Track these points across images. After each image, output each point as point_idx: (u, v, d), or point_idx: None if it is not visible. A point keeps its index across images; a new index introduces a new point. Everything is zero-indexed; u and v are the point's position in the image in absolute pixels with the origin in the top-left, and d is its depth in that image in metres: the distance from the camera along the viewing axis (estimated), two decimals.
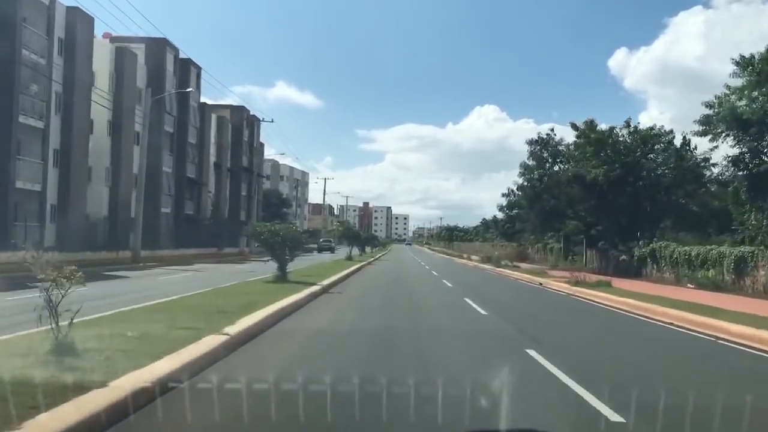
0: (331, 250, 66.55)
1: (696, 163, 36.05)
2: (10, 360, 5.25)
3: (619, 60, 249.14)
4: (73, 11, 32.83)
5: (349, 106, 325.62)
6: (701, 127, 31.10)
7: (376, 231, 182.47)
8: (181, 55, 48.12)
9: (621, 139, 36.58)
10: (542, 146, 39.38)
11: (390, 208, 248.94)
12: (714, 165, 36.06)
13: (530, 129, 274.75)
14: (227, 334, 6.96)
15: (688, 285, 24.68)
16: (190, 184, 49.91)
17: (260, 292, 12.72)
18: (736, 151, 29.32)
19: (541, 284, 24.26)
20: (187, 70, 48.30)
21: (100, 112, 37.08)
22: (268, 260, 17.15)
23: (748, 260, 21.85)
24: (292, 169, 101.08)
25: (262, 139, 73.25)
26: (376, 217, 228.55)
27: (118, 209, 38.77)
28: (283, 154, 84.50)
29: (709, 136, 31.15)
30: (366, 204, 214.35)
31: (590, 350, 8.42)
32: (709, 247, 25.20)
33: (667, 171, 35.98)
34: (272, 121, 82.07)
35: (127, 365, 5.17)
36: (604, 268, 36.64)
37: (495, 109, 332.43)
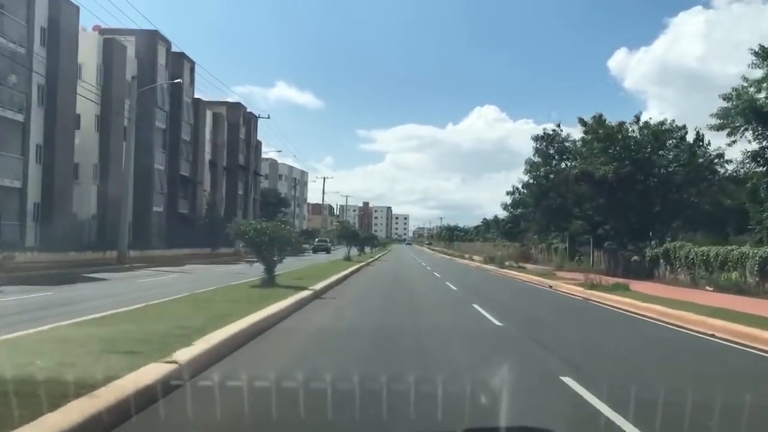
0: (327, 250, 64.40)
1: (710, 159, 34.53)
2: None
3: (618, 60, 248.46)
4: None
5: (350, 107, 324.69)
6: (718, 121, 29.62)
7: (376, 231, 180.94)
8: (174, 49, 46.53)
9: (632, 134, 35.02)
10: (548, 142, 37.77)
11: (390, 208, 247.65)
12: (728, 162, 34.70)
13: (530, 129, 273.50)
14: (175, 362, 5.35)
15: (707, 288, 23.15)
16: (184, 182, 48.35)
17: (240, 299, 11.16)
18: (754, 146, 27.96)
19: (550, 287, 22.71)
20: (179, 64, 46.71)
21: (87, 107, 35.53)
22: (255, 262, 15.47)
23: None
24: (290, 168, 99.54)
25: (261, 139, 71.86)
26: (376, 217, 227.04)
27: (107, 208, 37.15)
28: (280, 151, 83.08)
29: (727, 131, 29.74)
30: (366, 204, 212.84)
31: (641, 377, 6.52)
32: (729, 247, 23.62)
33: (678, 168, 34.41)
34: (268, 117, 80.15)
35: None
36: (613, 269, 35.10)
37: (495, 110, 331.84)
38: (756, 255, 21.25)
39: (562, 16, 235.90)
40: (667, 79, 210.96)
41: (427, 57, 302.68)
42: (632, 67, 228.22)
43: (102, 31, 40.08)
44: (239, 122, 62.10)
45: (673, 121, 35.16)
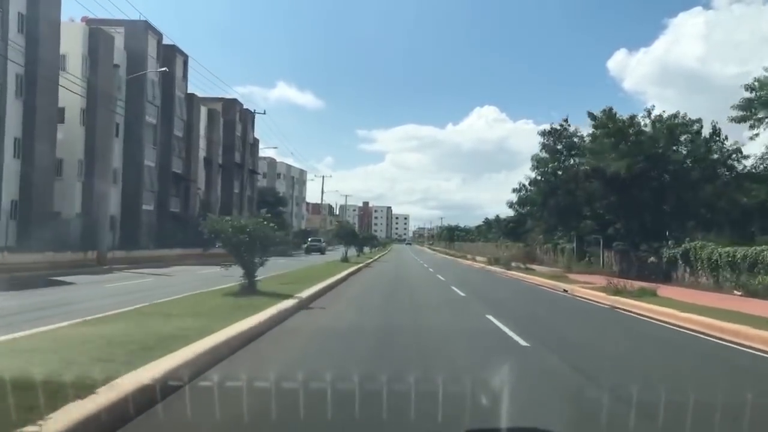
0: (321, 251, 61.34)
1: (727, 154, 32.68)
2: None
3: (618, 61, 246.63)
4: None
5: (350, 107, 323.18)
6: (739, 113, 27.84)
7: (376, 231, 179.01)
8: (166, 41, 44.70)
9: (645, 128, 33.16)
10: (556, 137, 35.87)
11: (390, 208, 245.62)
12: (745, 157, 32.89)
13: (530, 129, 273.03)
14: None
15: (735, 292, 21.32)
16: (176, 179, 46.50)
17: (204, 311, 9.20)
18: None
19: (566, 291, 20.85)
20: (171, 56, 44.80)
21: (72, 100, 33.67)
22: (229, 265, 13.45)
23: None
24: (289, 167, 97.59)
25: (259, 138, 70.07)
26: (376, 217, 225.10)
27: (92, 206, 35.29)
28: (276, 147, 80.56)
29: (749, 123, 27.98)
30: (366, 204, 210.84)
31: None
32: (760, 247, 21.74)
33: (693, 163, 32.51)
34: (264, 113, 78.38)
35: None
36: (625, 271, 33.25)
37: (495, 110, 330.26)
38: None
39: (562, 17, 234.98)
40: (667, 80, 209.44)
41: (427, 57, 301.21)
42: (632, 68, 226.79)
43: (89, 22, 38.25)
44: (235, 119, 60.26)
45: (685, 114, 33.32)
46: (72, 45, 34.63)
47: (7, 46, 26.98)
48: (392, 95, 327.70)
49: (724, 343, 9.37)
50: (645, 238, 33.23)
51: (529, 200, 36.67)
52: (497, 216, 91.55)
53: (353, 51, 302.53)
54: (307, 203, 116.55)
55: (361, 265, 33.71)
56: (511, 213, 50.74)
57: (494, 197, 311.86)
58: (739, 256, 22.31)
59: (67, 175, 35.09)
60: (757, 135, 26.73)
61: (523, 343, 8.62)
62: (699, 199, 31.44)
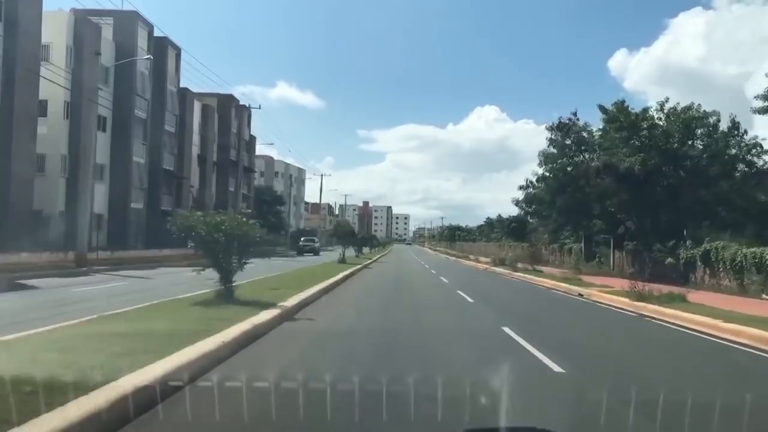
0: (314, 251, 57.09)
1: (747, 149, 30.95)
2: None
3: (619, 61, 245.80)
4: None
5: (350, 107, 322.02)
6: (764, 103, 26.07)
7: (376, 231, 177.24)
8: (158, 34, 42.94)
9: (659, 122, 31.39)
10: (564, 132, 34.07)
11: (390, 207, 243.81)
12: (766, 153, 31.14)
13: (531, 129, 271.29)
14: None
15: (763, 296, 19.61)
16: (167, 177, 44.73)
17: (149, 332, 7.14)
18: None
19: (581, 296, 19.09)
20: (163, 49, 43.05)
21: (55, 92, 31.96)
22: (201, 270, 11.25)
23: None
24: (287, 165, 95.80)
25: (258, 137, 68.34)
26: (376, 217, 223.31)
27: (77, 204, 33.48)
28: (272, 144, 79.09)
29: None
30: (366, 203, 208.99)
31: None
32: None
33: (710, 159, 30.71)
34: (259, 107, 76.46)
35: None
36: (638, 273, 31.50)
37: (495, 110, 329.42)
38: None
39: (563, 17, 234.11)
40: (667, 80, 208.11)
41: (427, 57, 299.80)
42: (632, 68, 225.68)
43: (77, 12, 36.50)
44: (231, 115, 58.53)
45: (699, 106, 31.54)
46: (56, 34, 32.93)
47: None
48: (393, 95, 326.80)
49: None
50: (659, 238, 31.48)
51: (536, 198, 34.82)
52: (499, 215, 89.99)
53: (354, 51, 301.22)
54: (307, 203, 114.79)
55: (359, 266, 31.95)
56: (516, 212, 48.88)
57: (494, 197, 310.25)
58: None
59: (49, 172, 33.39)
60: None
61: (556, 368, 6.83)
62: (718, 197, 29.65)
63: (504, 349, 8.40)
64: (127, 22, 39.07)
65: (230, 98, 58.75)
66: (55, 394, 4.06)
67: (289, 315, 10.48)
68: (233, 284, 11.29)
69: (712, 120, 31.34)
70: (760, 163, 31.11)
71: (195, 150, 51.66)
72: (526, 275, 29.14)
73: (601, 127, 34.29)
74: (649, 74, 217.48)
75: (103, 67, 37.08)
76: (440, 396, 4.51)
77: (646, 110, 31.96)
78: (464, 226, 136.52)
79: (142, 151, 40.74)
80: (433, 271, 33.36)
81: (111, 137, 38.26)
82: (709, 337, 10.21)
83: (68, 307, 11.60)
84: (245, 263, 11.42)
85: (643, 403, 4.73)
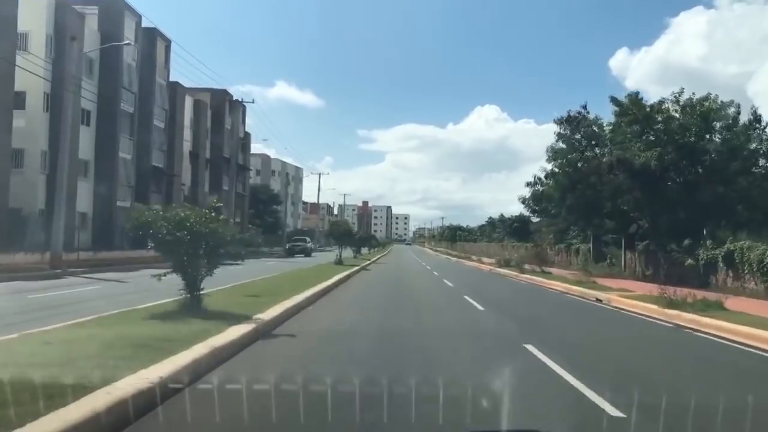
0: (306, 252, 53.63)
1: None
2: None
3: (620, 60, 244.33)
4: None
5: (350, 106, 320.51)
6: None
7: (376, 231, 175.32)
8: (147, 24, 41.07)
9: (676, 114, 29.56)
10: (574, 126, 32.17)
11: (390, 207, 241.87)
12: None
13: (531, 129, 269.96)
14: None
15: None
16: (156, 174, 42.85)
17: (94, 351, 5.62)
18: None
19: (599, 301, 17.25)
20: (152, 40, 41.20)
21: (35, 84, 30.11)
22: (162, 275, 9.39)
23: None
24: (284, 163, 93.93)
25: (257, 137, 66.37)
26: (375, 217, 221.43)
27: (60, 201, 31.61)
28: (266, 140, 77.21)
29: None
30: (365, 203, 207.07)
31: None
32: None
33: (729, 153, 28.84)
34: (252, 102, 74.34)
35: None
36: (653, 275, 29.68)
37: (495, 110, 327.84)
38: None
39: (563, 16, 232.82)
40: (668, 79, 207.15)
41: (428, 57, 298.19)
42: (633, 67, 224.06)
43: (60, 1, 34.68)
44: (225, 111, 56.58)
45: (717, 96, 29.69)
46: (34, 22, 31.09)
47: None
48: (393, 95, 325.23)
49: None
50: (674, 238, 29.64)
51: (544, 195, 32.90)
52: (502, 215, 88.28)
53: (354, 50, 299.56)
54: (305, 203, 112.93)
55: (356, 268, 30.06)
56: (518, 211, 47.01)
57: (494, 197, 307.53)
58: None
59: (28, 168, 31.53)
60: None
61: (612, 410, 4.91)
62: (739, 194, 27.79)
63: (534, 377, 6.53)
64: (114, 10, 37.27)
65: (224, 93, 56.80)
66: None
67: (265, 330, 8.54)
68: (201, 292, 9.41)
69: (731, 112, 29.52)
70: None
71: (187, 147, 49.81)
72: (534, 277, 27.28)
73: (611, 121, 32.50)
74: (650, 73, 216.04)
75: (87, 59, 35.28)
76: None
77: (661, 102, 30.10)
78: (465, 226, 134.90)
79: (129, 146, 38.86)
80: (436, 273, 31.46)
81: (96, 132, 36.41)
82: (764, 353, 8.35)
83: (26, 315, 9.73)
84: (213, 269, 9.48)
85: None
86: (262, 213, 71.98)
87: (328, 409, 4.60)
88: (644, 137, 30.33)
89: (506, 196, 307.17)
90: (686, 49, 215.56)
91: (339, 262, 32.38)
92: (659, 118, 29.77)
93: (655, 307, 13.80)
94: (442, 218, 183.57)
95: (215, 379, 5.37)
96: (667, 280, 26.62)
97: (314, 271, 24.55)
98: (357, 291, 19.12)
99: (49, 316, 8.64)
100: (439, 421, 4.49)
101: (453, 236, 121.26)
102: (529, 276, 28.22)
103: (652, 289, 19.58)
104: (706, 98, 29.62)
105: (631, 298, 16.33)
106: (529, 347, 8.18)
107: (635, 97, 30.55)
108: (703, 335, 10.66)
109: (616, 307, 15.45)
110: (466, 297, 16.45)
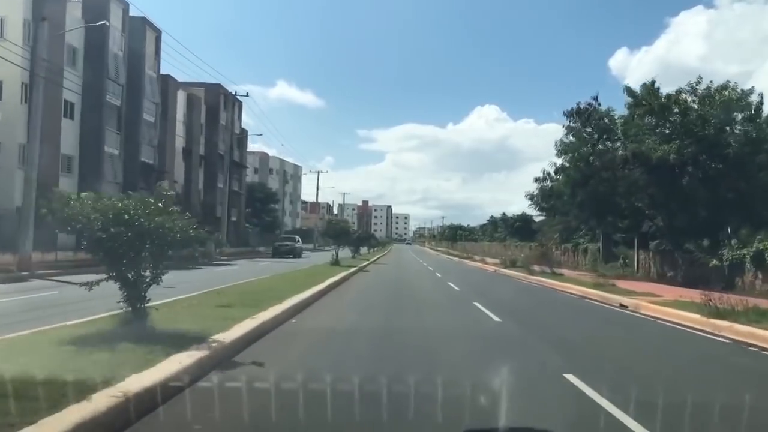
0: (294, 253, 49.41)
1: None
2: None
3: (620, 60, 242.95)
4: None
5: (350, 106, 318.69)
6: None
7: (376, 230, 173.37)
8: (135, 13, 39.19)
9: (694, 105, 27.66)
10: (585, 119, 30.23)
11: (390, 207, 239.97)
12: None
13: (530, 129, 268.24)
14: None
15: None
16: (146, 170, 40.89)
17: None
18: None
19: (625, 307, 15.35)
20: (140, 30, 39.29)
21: (11, 73, 28.28)
22: (95, 282, 7.48)
23: None
24: (282, 161, 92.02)
25: (256, 136, 64.54)
26: (375, 217, 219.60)
27: (38, 198, 29.74)
28: (260, 134, 75.18)
29: None
30: (365, 202, 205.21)
31: None
32: None
33: (751, 147, 26.93)
34: (247, 95, 72.33)
35: None
36: (670, 276, 27.84)
37: (496, 109, 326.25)
38: None
39: (563, 16, 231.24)
40: (668, 79, 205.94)
41: (427, 57, 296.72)
42: (633, 67, 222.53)
43: None
44: (219, 106, 54.68)
45: (736, 84, 27.79)
46: (11, 8, 29.27)
47: None
48: (392, 95, 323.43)
49: None
50: (692, 236, 27.79)
51: (554, 191, 30.95)
52: (504, 214, 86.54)
53: (354, 50, 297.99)
54: (304, 202, 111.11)
55: (354, 269, 28.15)
56: (520, 210, 45.11)
57: (494, 197, 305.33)
58: None
59: (5, 162, 29.69)
60: None
61: None
62: (765, 190, 25.91)
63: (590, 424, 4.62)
64: None
65: (219, 88, 54.84)
66: None
67: (224, 357, 6.43)
68: (147, 304, 7.50)
69: (753, 100, 27.60)
70: None
71: (179, 142, 47.95)
72: (545, 279, 25.40)
73: (622, 114, 30.58)
74: (650, 73, 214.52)
75: (71, 48, 33.50)
76: None
77: (679, 92, 28.18)
78: (465, 225, 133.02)
79: (116, 141, 36.99)
80: (438, 275, 29.55)
81: (80, 125, 34.55)
82: None
83: None
84: (161, 274, 7.51)
85: None
86: (259, 212, 70.15)
87: None
88: (659, 130, 28.51)
89: (506, 196, 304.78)
90: (686, 48, 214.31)
91: (335, 262, 30.47)
92: (676, 110, 27.90)
93: (697, 316, 11.91)
94: (443, 218, 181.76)
95: None
96: (685, 282, 24.85)
97: (308, 273, 22.69)
98: (353, 294, 17.28)
99: None
100: None
101: (453, 236, 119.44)
102: (538, 278, 26.33)
103: (681, 293, 17.75)
104: (725, 87, 27.73)
105: (662, 304, 14.45)
106: (570, 378, 6.26)
107: (651, 86, 28.64)
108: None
109: (648, 316, 13.52)
110: (476, 304, 14.45)
